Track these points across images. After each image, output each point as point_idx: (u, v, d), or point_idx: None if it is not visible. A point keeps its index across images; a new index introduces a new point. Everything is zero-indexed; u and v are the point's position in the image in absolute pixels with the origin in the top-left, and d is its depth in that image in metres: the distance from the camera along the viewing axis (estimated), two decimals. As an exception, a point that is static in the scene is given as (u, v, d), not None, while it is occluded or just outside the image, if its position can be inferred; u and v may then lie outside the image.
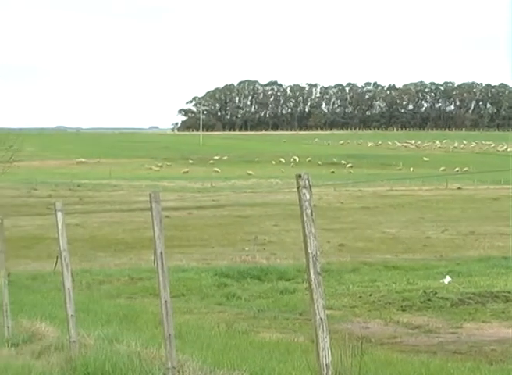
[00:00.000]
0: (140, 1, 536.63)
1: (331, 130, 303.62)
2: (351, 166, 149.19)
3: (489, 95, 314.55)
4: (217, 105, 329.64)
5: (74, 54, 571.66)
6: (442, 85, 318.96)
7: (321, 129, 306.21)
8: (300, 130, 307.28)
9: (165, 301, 8.63)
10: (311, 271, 6.38)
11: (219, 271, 30.41)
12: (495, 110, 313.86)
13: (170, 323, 8.61)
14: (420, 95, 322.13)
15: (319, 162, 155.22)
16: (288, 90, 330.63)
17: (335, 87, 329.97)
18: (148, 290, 26.33)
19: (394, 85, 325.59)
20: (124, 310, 19.03)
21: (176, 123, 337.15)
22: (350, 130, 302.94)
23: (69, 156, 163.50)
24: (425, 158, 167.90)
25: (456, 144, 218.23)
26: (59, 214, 11.06)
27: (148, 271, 29.77)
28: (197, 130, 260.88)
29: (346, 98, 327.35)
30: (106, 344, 10.88)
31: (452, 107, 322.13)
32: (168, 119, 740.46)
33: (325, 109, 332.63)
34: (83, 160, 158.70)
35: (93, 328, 12.57)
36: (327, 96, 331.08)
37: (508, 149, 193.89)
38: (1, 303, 13.83)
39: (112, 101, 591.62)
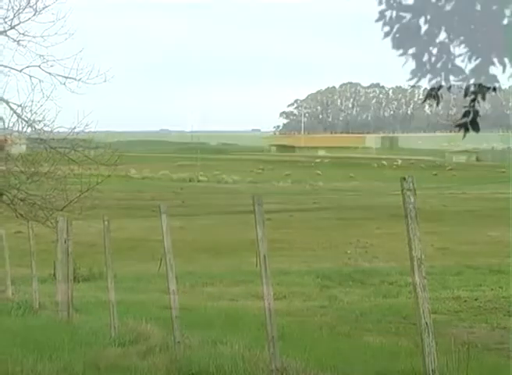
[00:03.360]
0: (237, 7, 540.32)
1: (434, 132, 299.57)
2: (451, 169, 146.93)
3: None
4: (318, 107, 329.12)
5: (176, 57, 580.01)
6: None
7: (424, 131, 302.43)
8: (403, 132, 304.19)
9: (269, 304, 8.66)
10: (416, 274, 6.31)
11: (321, 274, 30.29)
12: None
13: (273, 325, 8.63)
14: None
15: (422, 165, 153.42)
16: (390, 92, 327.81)
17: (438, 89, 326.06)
18: (250, 292, 26.41)
19: (500, 86, 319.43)
20: (227, 312, 19.15)
21: (278, 126, 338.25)
22: (454, 132, 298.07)
23: (173, 159, 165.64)
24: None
25: None
26: (164, 216, 11.23)
27: (250, 273, 29.84)
28: (299, 132, 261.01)
29: (450, 100, 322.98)
30: (210, 346, 10.98)
31: None
32: (269, 121, 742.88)
33: (428, 111, 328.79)
34: (186, 163, 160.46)
35: (196, 330, 12.69)
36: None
37: None
38: (108, 304, 14.12)
39: (213, 105, 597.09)
